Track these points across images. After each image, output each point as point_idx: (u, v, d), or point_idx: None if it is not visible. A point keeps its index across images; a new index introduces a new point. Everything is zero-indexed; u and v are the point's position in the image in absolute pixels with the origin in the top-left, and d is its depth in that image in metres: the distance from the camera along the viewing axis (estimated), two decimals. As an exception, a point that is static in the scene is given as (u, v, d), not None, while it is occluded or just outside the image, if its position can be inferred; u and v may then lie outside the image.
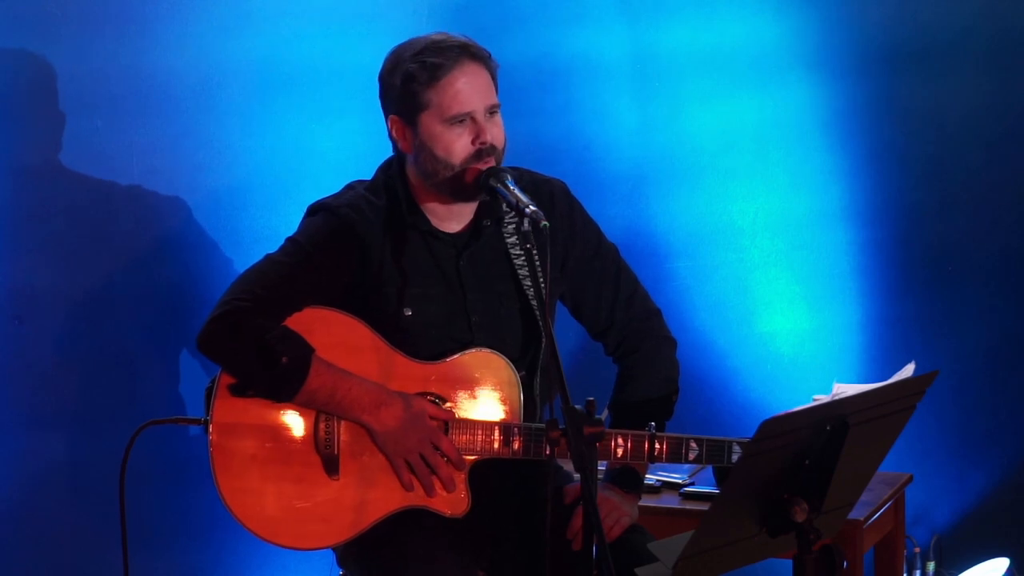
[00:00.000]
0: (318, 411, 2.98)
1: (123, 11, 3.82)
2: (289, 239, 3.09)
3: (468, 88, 3.02)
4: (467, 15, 4.18)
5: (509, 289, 3.13)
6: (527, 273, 3.11)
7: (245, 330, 2.94)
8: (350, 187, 3.17)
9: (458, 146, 3.02)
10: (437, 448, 2.99)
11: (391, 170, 3.15)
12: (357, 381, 2.97)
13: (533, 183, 3.18)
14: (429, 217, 3.11)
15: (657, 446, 3.02)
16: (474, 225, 3.14)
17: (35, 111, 3.75)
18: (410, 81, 3.03)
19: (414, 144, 3.06)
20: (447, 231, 3.13)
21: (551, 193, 3.19)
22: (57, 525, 3.81)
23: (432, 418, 3.00)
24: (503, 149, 3.07)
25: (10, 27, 3.69)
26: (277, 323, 2.96)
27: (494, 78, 3.08)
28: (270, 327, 2.95)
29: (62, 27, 3.74)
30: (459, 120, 3.02)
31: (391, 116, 3.10)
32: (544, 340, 3.06)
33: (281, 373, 2.93)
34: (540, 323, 3.08)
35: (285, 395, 2.96)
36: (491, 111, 3.04)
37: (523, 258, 3.12)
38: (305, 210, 3.15)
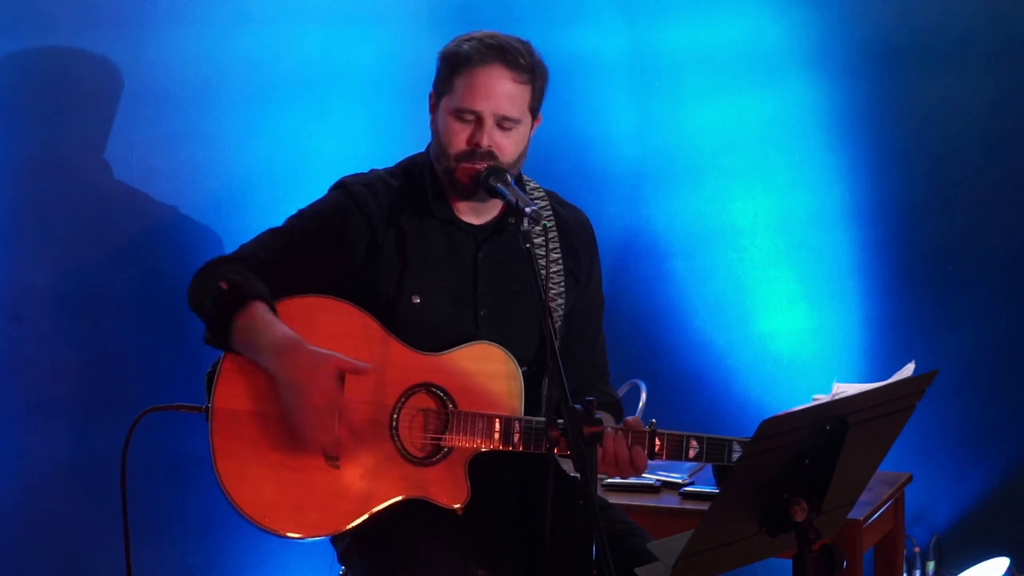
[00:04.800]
0: None
1: (122, 11, 3.82)
2: (298, 211, 3.13)
3: (484, 89, 3.03)
4: (467, 15, 4.19)
5: (524, 288, 3.13)
6: (548, 273, 3.13)
7: (214, 268, 2.99)
8: (372, 170, 3.20)
9: (457, 139, 3.05)
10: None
11: (419, 157, 3.17)
12: (282, 328, 2.90)
13: (562, 205, 3.27)
14: (452, 207, 3.12)
15: (657, 443, 3.01)
16: (499, 221, 3.14)
17: (35, 111, 3.75)
18: (444, 61, 3.08)
19: (434, 123, 3.10)
20: (470, 223, 3.14)
21: (580, 220, 3.27)
22: (57, 524, 3.81)
23: (340, 374, 2.89)
24: (511, 163, 3.07)
25: (10, 27, 3.69)
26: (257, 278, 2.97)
27: (533, 94, 3.08)
28: (242, 272, 2.96)
29: (62, 27, 3.74)
30: (465, 115, 3.03)
31: (431, 91, 3.13)
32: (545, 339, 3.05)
33: (220, 302, 2.91)
34: (552, 324, 3.08)
35: (219, 329, 2.92)
36: (502, 121, 3.04)
37: (543, 259, 3.14)
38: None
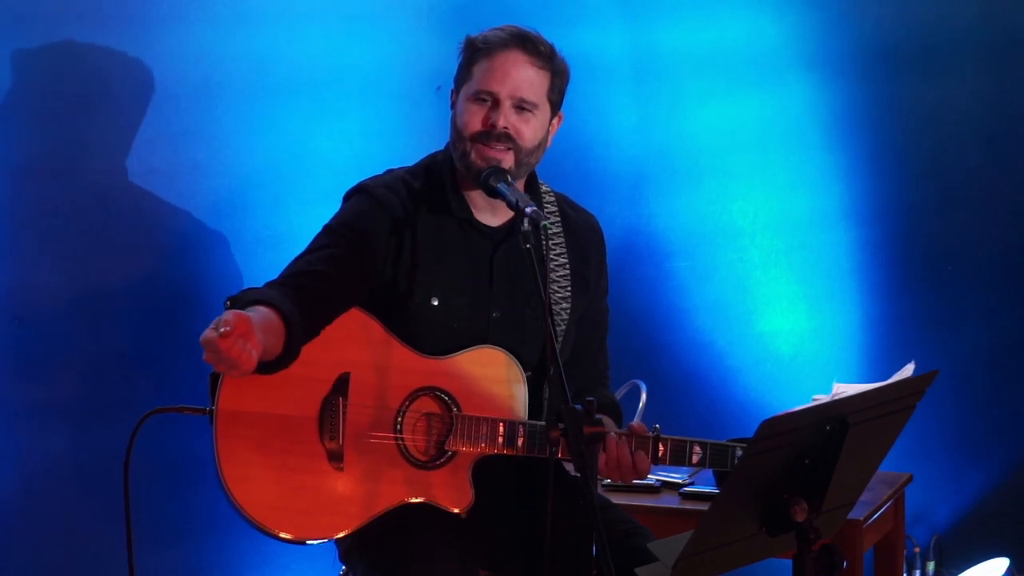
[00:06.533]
0: (323, 401, 2.98)
1: (123, 11, 3.82)
2: (324, 227, 3.10)
3: (501, 71, 3.05)
4: (467, 15, 4.19)
5: (538, 291, 3.12)
6: (555, 277, 3.13)
7: (243, 292, 2.92)
8: (389, 170, 3.19)
9: (473, 120, 3.05)
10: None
11: (439, 155, 3.17)
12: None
13: (573, 208, 3.27)
14: (470, 206, 3.12)
15: (661, 448, 3.02)
16: (514, 222, 3.12)
17: (35, 111, 3.75)
18: (463, 52, 3.10)
19: (453, 117, 3.11)
20: (486, 223, 3.14)
21: (590, 224, 3.28)
22: (58, 525, 3.81)
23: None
24: (529, 151, 3.07)
25: (10, 27, 3.69)
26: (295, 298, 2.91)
27: (552, 82, 3.09)
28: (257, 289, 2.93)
29: (62, 27, 3.74)
30: (482, 98, 3.05)
31: (452, 87, 3.15)
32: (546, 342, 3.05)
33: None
34: (552, 324, 3.08)
35: None
36: (520, 104, 3.05)
37: (556, 262, 3.14)
38: (343, 196, 3.15)
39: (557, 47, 3.13)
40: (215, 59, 3.92)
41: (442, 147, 3.18)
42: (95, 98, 3.81)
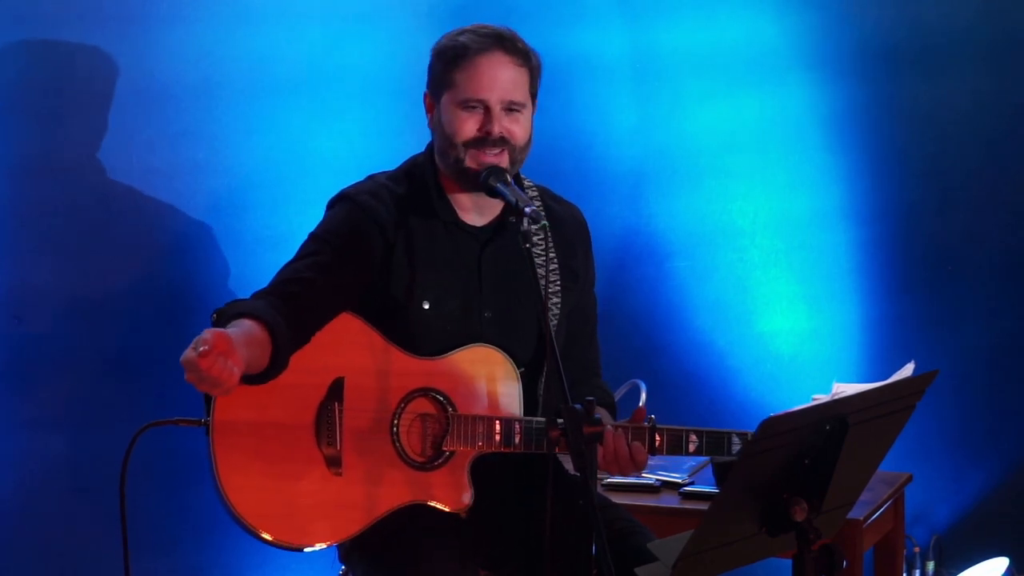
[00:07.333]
0: (319, 407, 2.97)
1: (124, 10, 3.82)
2: (309, 235, 3.09)
3: (487, 77, 3.03)
4: (467, 15, 4.17)
5: (527, 288, 3.12)
6: (542, 273, 3.13)
7: (232, 304, 2.92)
8: (371, 177, 3.17)
9: (465, 128, 3.04)
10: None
11: (419, 159, 3.16)
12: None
13: (556, 200, 3.26)
14: (455, 207, 3.12)
15: (657, 438, 3.02)
16: (500, 220, 3.13)
17: (35, 111, 3.76)
18: (439, 58, 3.08)
19: (434, 122, 3.09)
20: (472, 224, 3.14)
21: (574, 215, 3.27)
22: (57, 526, 3.81)
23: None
24: (522, 148, 3.08)
25: (10, 27, 3.69)
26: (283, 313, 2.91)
27: (531, 78, 3.09)
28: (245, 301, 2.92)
29: (62, 27, 3.75)
30: (472, 105, 3.04)
31: (425, 92, 3.13)
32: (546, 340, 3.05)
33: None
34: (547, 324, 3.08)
35: None
36: (510, 106, 3.05)
37: (541, 258, 3.14)
38: (326, 204, 3.15)
39: (535, 45, 3.12)
40: (215, 59, 3.92)
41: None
42: (95, 97, 3.81)
